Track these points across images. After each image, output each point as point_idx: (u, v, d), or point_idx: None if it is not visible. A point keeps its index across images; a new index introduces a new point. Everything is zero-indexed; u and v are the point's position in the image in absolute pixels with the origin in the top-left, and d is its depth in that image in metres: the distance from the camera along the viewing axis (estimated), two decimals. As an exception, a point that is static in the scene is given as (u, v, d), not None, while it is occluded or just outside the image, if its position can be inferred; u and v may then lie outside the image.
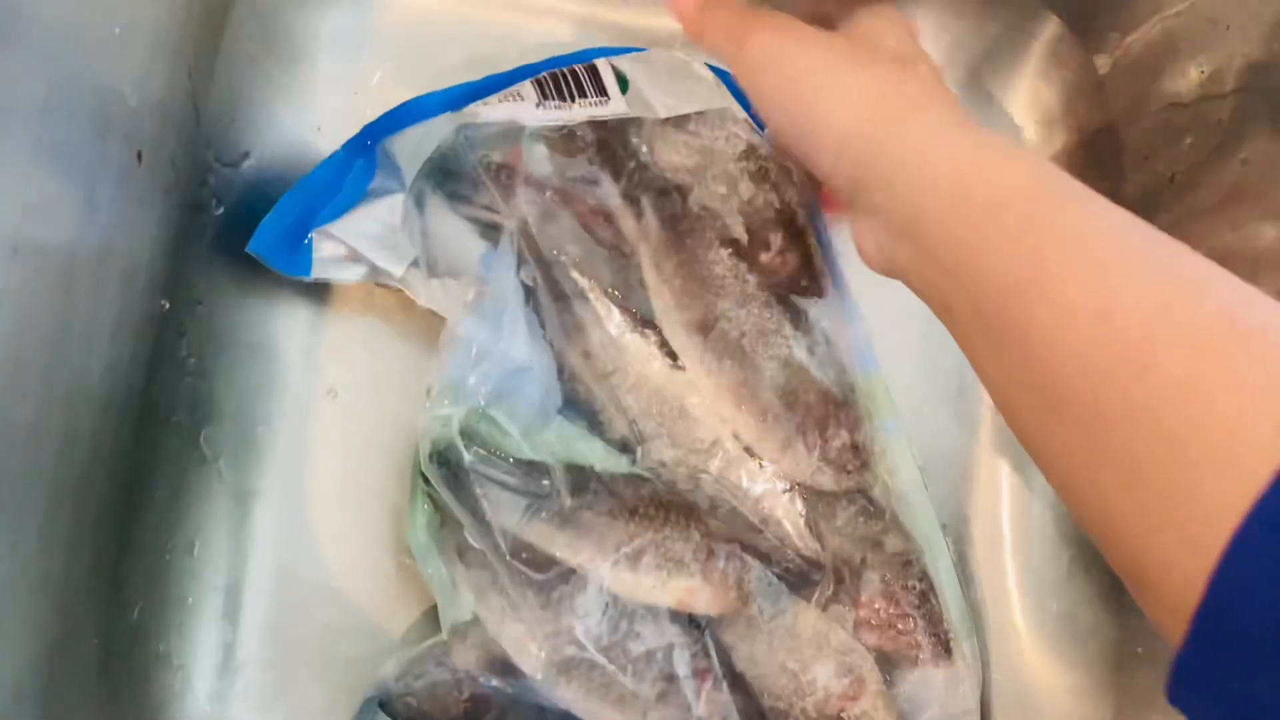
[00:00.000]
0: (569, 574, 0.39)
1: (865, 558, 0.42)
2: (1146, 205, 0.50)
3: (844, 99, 0.31)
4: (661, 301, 0.43)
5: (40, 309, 0.33)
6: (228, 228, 0.44)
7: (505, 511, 0.40)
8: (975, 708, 0.43)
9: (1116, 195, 0.48)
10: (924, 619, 0.42)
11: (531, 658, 0.39)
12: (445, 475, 0.40)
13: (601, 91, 0.45)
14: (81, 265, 0.35)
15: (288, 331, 0.46)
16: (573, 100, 0.44)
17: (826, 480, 0.42)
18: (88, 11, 0.33)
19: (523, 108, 0.44)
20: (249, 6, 0.44)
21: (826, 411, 0.42)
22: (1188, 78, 0.47)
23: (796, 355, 0.43)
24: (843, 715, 0.40)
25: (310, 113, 0.47)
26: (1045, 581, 0.50)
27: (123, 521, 0.41)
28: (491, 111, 0.44)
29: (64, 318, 0.35)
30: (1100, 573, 0.49)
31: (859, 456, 0.42)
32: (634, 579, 0.39)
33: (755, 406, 0.42)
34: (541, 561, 0.39)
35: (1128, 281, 0.24)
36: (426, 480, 0.41)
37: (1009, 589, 0.49)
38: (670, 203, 0.43)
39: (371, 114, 0.46)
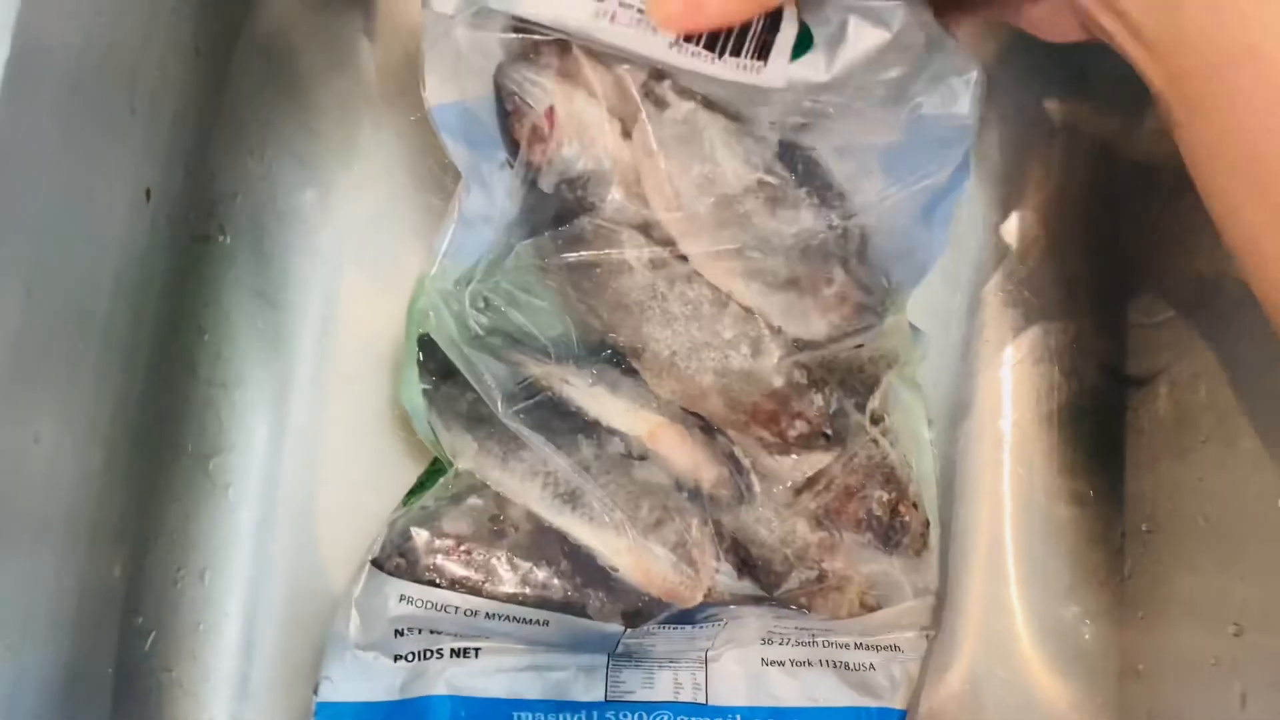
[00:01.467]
0: (567, 415, 0.41)
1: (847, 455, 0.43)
2: (1143, 226, 0.50)
3: None
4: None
5: (55, 346, 0.34)
6: (235, 258, 0.45)
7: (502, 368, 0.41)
8: (935, 586, 0.45)
9: (1116, 226, 0.48)
10: (895, 527, 0.44)
11: (535, 490, 0.40)
12: (443, 342, 0.41)
13: (762, 51, 0.35)
14: (94, 303, 0.36)
15: (294, 360, 0.46)
16: (722, 52, 0.35)
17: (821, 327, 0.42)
18: (95, 60, 0.34)
19: (653, 39, 0.35)
20: (252, 41, 0.45)
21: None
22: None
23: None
24: (823, 566, 0.42)
25: (314, 142, 0.48)
26: (1047, 596, 0.50)
27: (135, 551, 0.41)
28: (610, 30, 0.34)
29: (78, 354, 0.35)
30: (1101, 588, 0.49)
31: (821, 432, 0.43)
32: (611, 401, 0.41)
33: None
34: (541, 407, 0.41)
35: None
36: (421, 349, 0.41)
37: (1011, 602, 0.50)
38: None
39: (375, 141, 0.47)
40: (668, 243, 0.39)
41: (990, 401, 0.52)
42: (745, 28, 0.34)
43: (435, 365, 0.42)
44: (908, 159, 0.39)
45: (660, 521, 0.41)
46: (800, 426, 0.41)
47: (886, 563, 0.43)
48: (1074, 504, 0.50)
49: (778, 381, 0.41)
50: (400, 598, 0.40)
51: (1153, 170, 0.49)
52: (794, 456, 0.43)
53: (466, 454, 0.41)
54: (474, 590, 0.40)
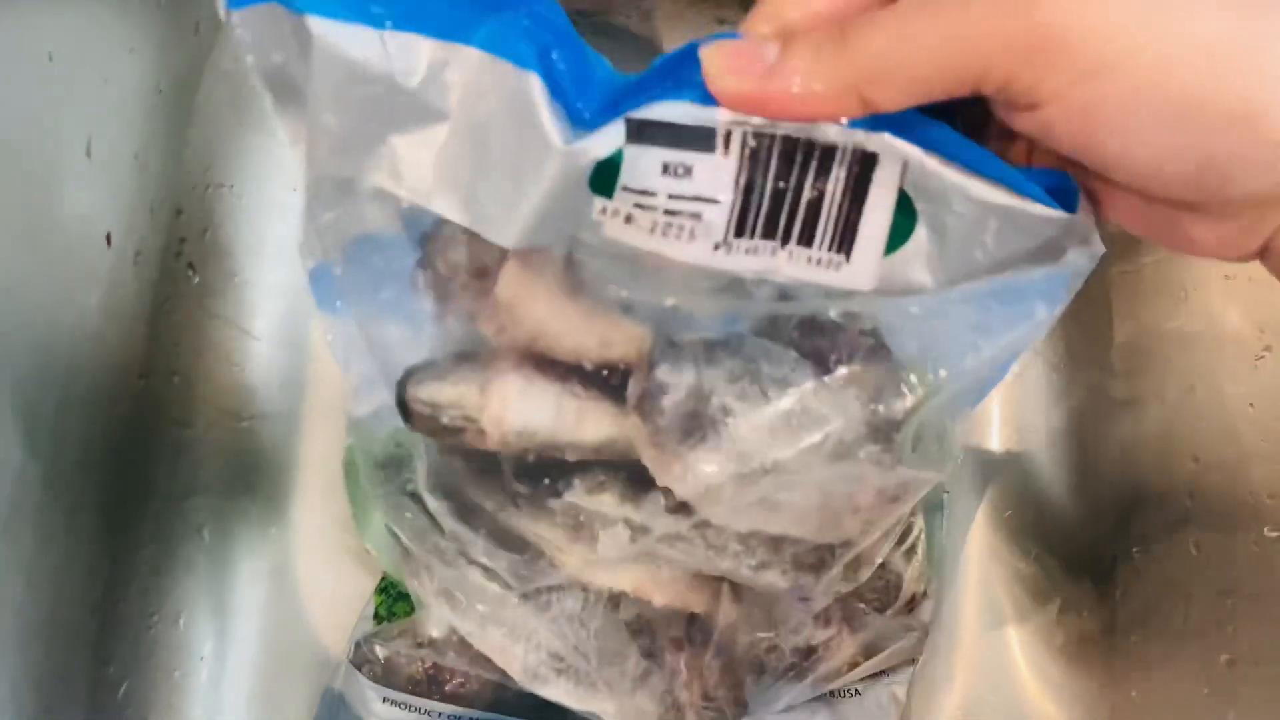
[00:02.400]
0: (540, 567, 0.36)
1: None
2: (1129, 244, 0.50)
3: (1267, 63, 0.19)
4: None
5: (16, 392, 0.33)
6: (205, 297, 0.44)
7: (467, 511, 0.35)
8: (926, 626, 0.43)
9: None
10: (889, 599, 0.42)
11: (517, 661, 0.38)
12: (392, 479, 0.35)
13: (844, 238, 0.25)
14: (55, 350, 0.35)
15: (267, 399, 0.46)
16: (785, 238, 0.25)
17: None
18: (47, 95, 0.33)
19: (689, 245, 0.25)
20: (216, 72, 0.44)
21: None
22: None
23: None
24: (812, 642, 0.40)
25: (285, 173, 0.47)
26: (1040, 621, 0.49)
27: (106, 597, 0.40)
28: (626, 231, 0.25)
29: (40, 399, 0.34)
30: (1093, 613, 0.49)
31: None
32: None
33: None
34: (514, 543, 0.35)
35: None
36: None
37: (1004, 627, 0.49)
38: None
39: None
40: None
41: (979, 423, 0.51)
42: (818, 195, 0.24)
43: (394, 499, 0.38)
44: (993, 319, 0.28)
45: (648, 672, 0.38)
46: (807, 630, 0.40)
47: (881, 622, 0.42)
48: (1065, 529, 0.50)
49: (783, 585, 0.36)
50: (383, 700, 0.39)
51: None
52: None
53: (439, 615, 0.39)
54: (453, 702, 0.40)
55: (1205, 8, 0.19)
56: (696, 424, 0.30)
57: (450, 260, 0.29)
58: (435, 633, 0.40)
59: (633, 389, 0.31)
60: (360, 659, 0.40)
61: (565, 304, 0.30)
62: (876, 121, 0.23)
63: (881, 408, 0.30)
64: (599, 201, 0.24)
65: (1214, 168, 0.20)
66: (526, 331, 0.30)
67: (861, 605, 0.41)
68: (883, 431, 0.30)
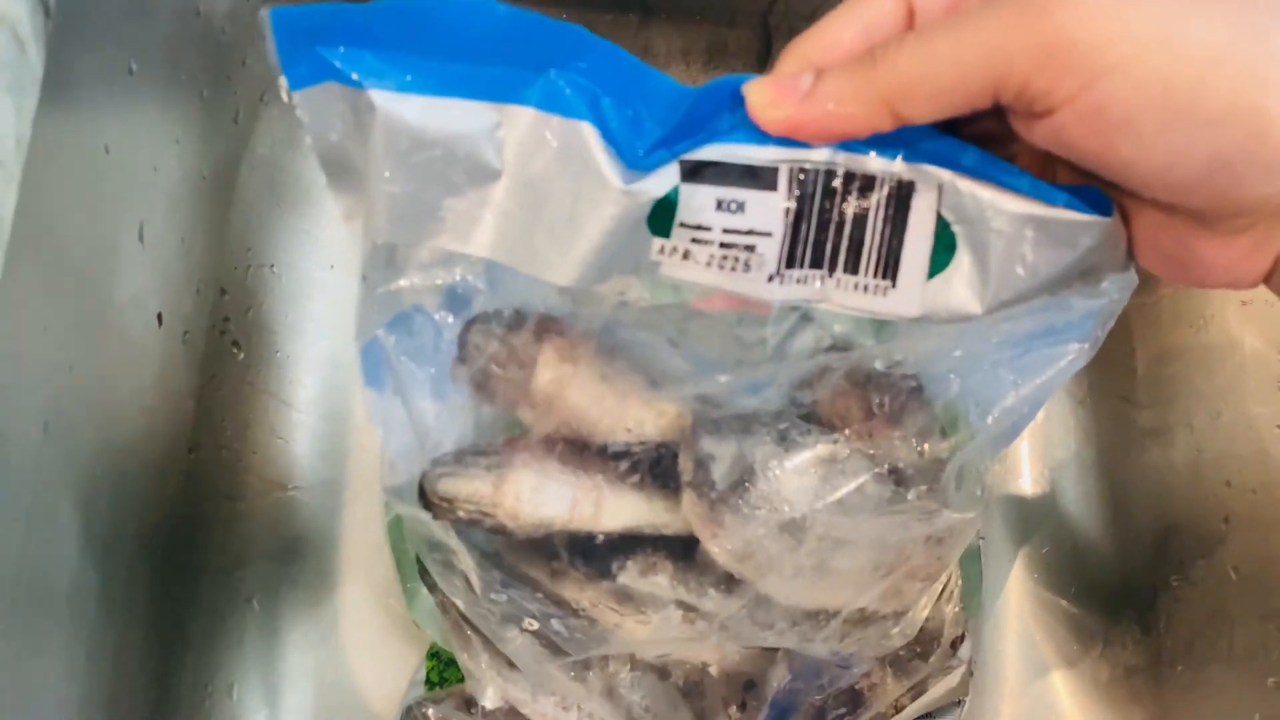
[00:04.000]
0: (595, 634, 0.35)
1: None
2: (1146, 276, 0.50)
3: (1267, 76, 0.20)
4: None
5: (73, 472, 0.34)
6: (250, 372, 0.46)
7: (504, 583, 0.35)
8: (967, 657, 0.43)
9: None
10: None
11: None
12: (440, 548, 0.35)
13: (888, 263, 0.26)
14: (112, 428, 0.36)
15: (311, 469, 0.47)
16: (833, 266, 0.26)
17: None
18: (104, 185, 0.35)
19: (744, 276, 0.26)
20: (254, 158, 0.46)
21: None
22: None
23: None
24: (857, 686, 0.39)
25: (323, 251, 0.49)
26: (1083, 654, 0.49)
27: (162, 669, 0.41)
28: (682, 267, 0.26)
29: (96, 479, 0.36)
30: (1137, 644, 0.48)
31: None
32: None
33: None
34: (566, 611, 0.35)
35: None
36: (420, 564, 0.38)
37: (1047, 662, 0.49)
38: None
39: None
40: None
41: (1010, 464, 0.52)
42: (861, 225, 0.25)
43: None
44: (1030, 359, 0.29)
45: None
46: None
47: (923, 673, 0.42)
48: (1103, 559, 0.50)
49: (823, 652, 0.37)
50: None
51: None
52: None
53: (490, 688, 0.39)
54: None
55: (1211, 12, 0.20)
56: (745, 488, 0.30)
57: (489, 349, 0.31)
58: (487, 704, 0.39)
59: (683, 462, 0.31)
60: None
61: (602, 389, 0.31)
62: (912, 152, 0.24)
63: (926, 447, 0.31)
64: (657, 241, 0.26)
65: (1221, 169, 0.21)
66: (563, 419, 0.32)
67: (903, 653, 0.41)
68: (927, 474, 0.31)
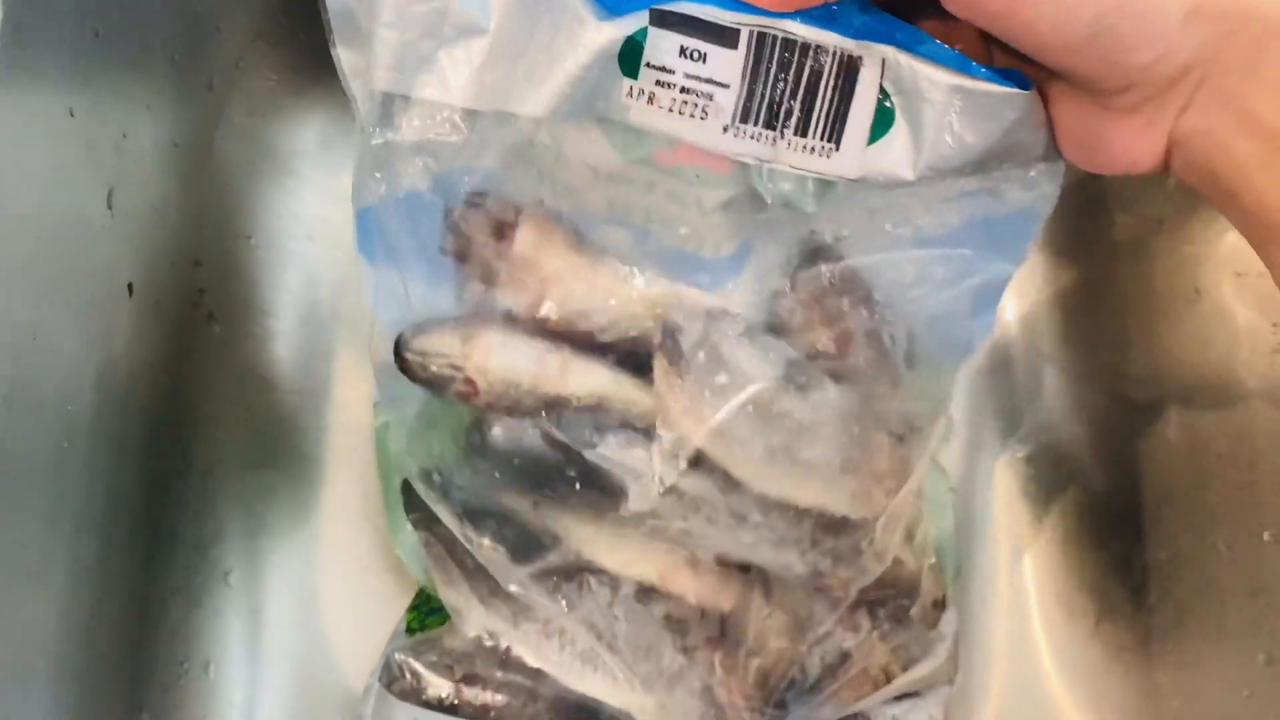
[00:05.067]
0: (573, 569, 0.38)
1: None
2: (1138, 247, 0.50)
3: None
4: None
5: (39, 446, 0.34)
6: (227, 344, 0.45)
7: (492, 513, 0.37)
8: (954, 635, 0.43)
9: (1109, 239, 0.48)
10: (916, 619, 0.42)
11: (552, 656, 0.38)
12: (426, 491, 0.37)
13: (834, 128, 0.29)
14: (79, 401, 0.36)
15: (287, 445, 0.46)
16: (783, 128, 0.29)
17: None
18: (68, 151, 0.34)
19: (701, 124, 0.29)
20: (229, 127, 0.45)
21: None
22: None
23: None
24: (844, 647, 0.40)
25: (301, 223, 0.48)
26: (1072, 634, 0.49)
27: (136, 646, 0.41)
28: (647, 112, 0.29)
29: (63, 453, 0.35)
30: (1126, 623, 0.48)
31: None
32: (617, 547, 0.38)
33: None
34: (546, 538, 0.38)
35: None
36: (406, 496, 0.39)
37: (1036, 643, 0.49)
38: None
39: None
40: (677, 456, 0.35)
41: (1000, 437, 0.51)
42: (812, 91, 0.29)
43: (424, 509, 0.39)
44: (964, 252, 0.33)
45: (684, 668, 0.39)
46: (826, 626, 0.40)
47: (907, 635, 0.41)
48: (1092, 537, 0.49)
49: (800, 569, 0.38)
50: None
51: (1149, 184, 0.49)
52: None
53: (473, 618, 0.39)
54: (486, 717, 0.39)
55: None
56: (712, 363, 0.33)
57: (473, 221, 0.33)
58: (470, 632, 0.39)
59: (654, 334, 0.34)
60: (390, 677, 0.39)
61: (578, 261, 0.34)
62: (861, 29, 0.28)
63: (869, 331, 0.35)
64: (626, 82, 0.29)
65: (1104, 31, 0.24)
66: (541, 286, 0.34)
67: (883, 609, 0.41)
68: (879, 365, 0.35)
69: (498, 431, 0.36)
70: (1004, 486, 0.50)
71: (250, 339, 0.46)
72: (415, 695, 0.39)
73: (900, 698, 0.43)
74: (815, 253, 0.34)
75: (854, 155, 0.29)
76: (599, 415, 0.35)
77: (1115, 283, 0.51)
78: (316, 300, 0.48)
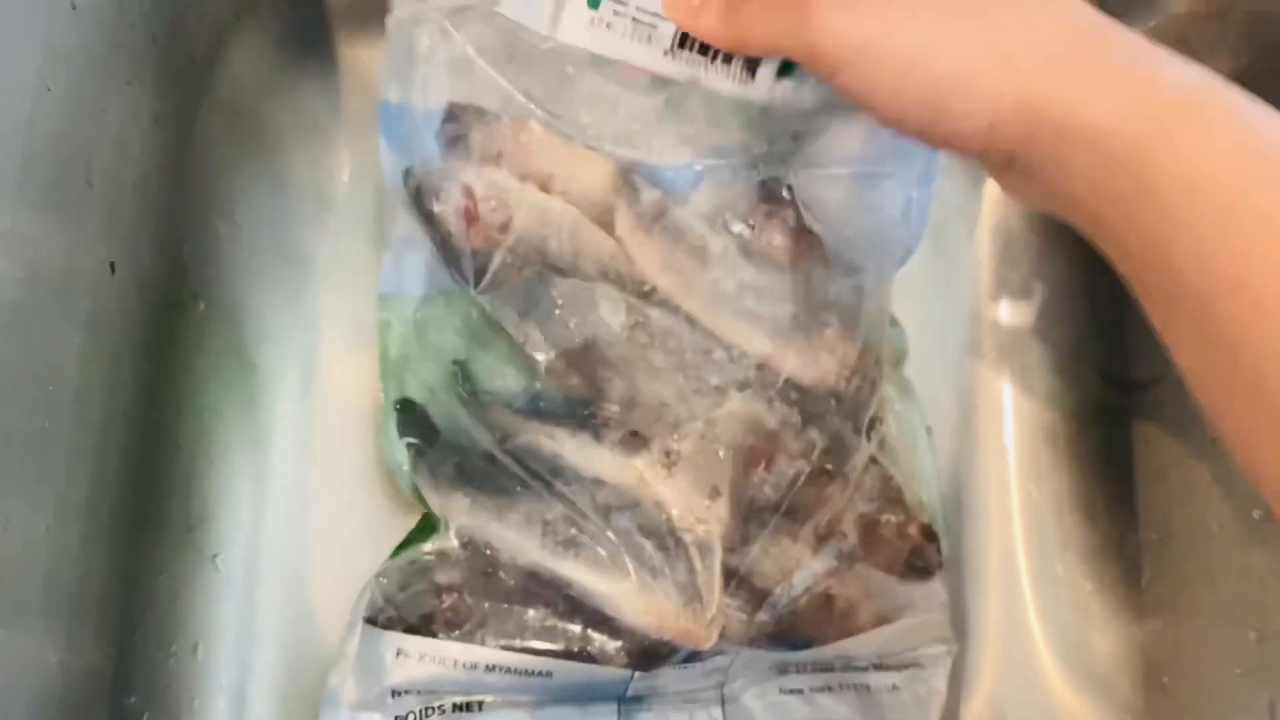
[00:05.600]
0: (555, 470, 0.40)
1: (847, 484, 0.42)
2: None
3: (985, 71, 0.27)
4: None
5: (20, 427, 0.33)
6: (210, 324, 0.44)
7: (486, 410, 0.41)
8: (945, 602, 0.43)
9: None
10: (904, 551, 0.42)
11: (535, 540, 0.39)
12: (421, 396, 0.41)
13: (752, 65, 0.37)
14: (62, 380, 0.35)
15: (276, 424, 0.46)
16: (715, 58, 0.37)
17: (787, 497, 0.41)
18: (47, 135, 0.34)
19: (647, 47, 0.37)
20: (213, 101, 0.44)
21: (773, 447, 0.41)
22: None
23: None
24: (830, 592, 0.41)
25: (287, 201, 0.48)
26: (1065, 612, 0.49)
27: (124, 628, 0.40)
28: (605, 38, 0.37)
29: (46, 433, 0.35)
30: (1120, 601, 0.48)
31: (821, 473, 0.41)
32: (598, 453, 0.40)
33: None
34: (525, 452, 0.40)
35: None
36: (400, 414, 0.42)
37: (1029, 621, 0.49)
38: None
39: (345, 198, 0.47)
40: (644, 294, 0.40)
41: (992, 416, 0.51)
42: None
43: (417, 424, 0.41)
44: (877, 157, 0.40)
45: (666, 561, 0.39)
46: (800, 465, 0.40)
47: (895, 584, 0.41)
48: (1085, 516, 0.49)
49: (772, 422, 0.40)
50: (397, 652, 0.39)
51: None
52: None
53: (459, 511, 0.40)
54: (470, 640, 0.39)
55: (912, 19, 0.28)
56: (665, 213, 0.40)
57: (470, 113, 0.39)
58: (457, 524, 0.40)
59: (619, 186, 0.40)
60: (373, 608, 0.39)
61: (555, 140, 0.39)
62: None
63: (811, 235, 0.41)
64: (590, 13, 0.36)
65: (928, 124, 0.29)
66: (524, 158, 0.39)
67: (864, 513, 0.41)
68: (818, 254, 0.41)
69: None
70: (995, 465, 0.50)
71: (236, 318, 0.45)
72: (399, 622, 0.39)
73: (901, 667, 0.43)
74: (764, 181, 0.40)
75: (765, 86, 0.37)
76: (579, 260, 0.40)
77: (1107, 260, 0.51)
78: (303, 280, 0.47)
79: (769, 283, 0.40)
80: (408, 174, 0.40)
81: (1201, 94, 0.26)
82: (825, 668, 0.43)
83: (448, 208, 0.39)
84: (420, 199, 0.39)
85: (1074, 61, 0.27)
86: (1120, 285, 0.50)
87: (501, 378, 0.42)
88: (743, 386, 0.40)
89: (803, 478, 0.40)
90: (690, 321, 0.40)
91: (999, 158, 0.28)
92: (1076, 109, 0.26)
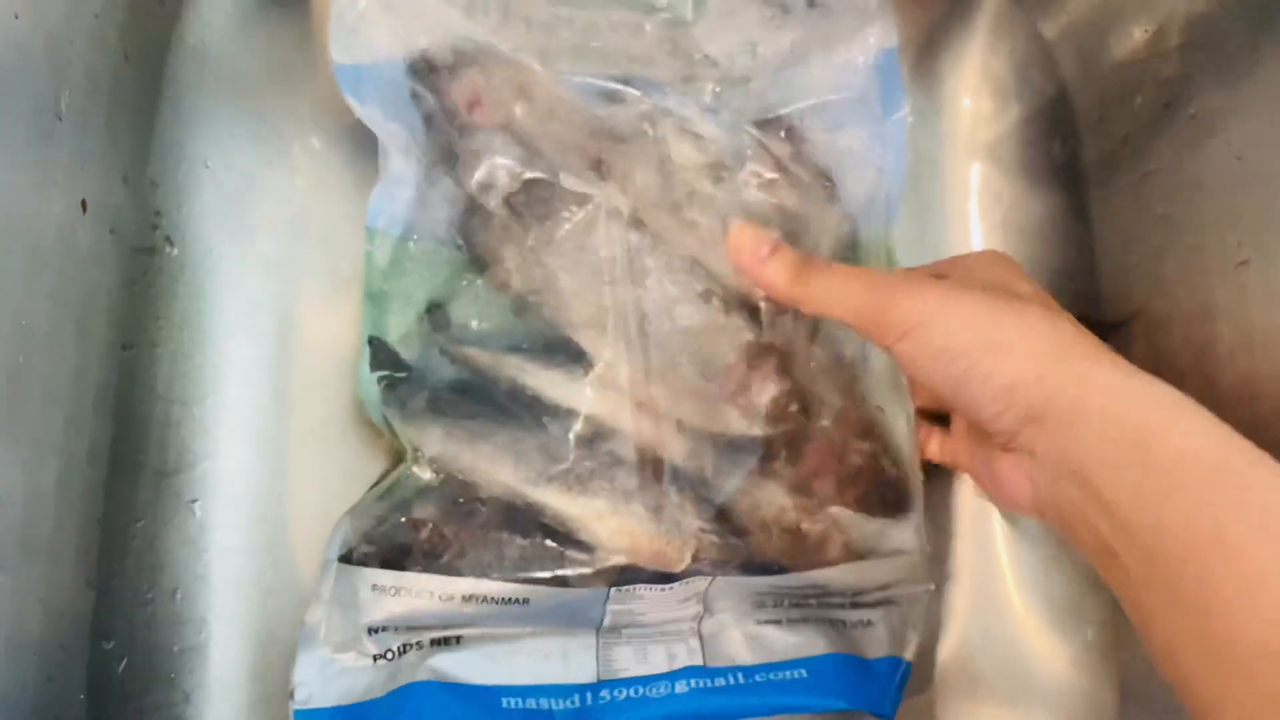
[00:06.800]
0: (528, 403, 0.41)
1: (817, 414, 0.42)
2: (1105, 169, 0.50)
3: (1012, 347, 0.32)
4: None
5: (-5, 363, 0.33)
6: (184, 269, 0.44)
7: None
8: (923, 542, 0.43)
9: (1077, 161, 0.49)
10: (872, 480, 0.43)
11: (508, 468, 0.39)
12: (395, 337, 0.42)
13: None
14: (34, 318, 0.35)
15: (254, 371, 0.45)
16: None
17: (760, 431, 0.41)
18: (13, 63, 0.33)
19: None
20: (183, 46, 0.44)
21: (748, 368, 0.42)
22: (1132, 37, 0.47)
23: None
24: (802, 527, 0.41)
25: (261, 148, 0.47)
26: (1036, 553, 0.49)
27: (101, 572, 0.40)
28: None
29: (18, 370, 0.34)
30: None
31: (791, 404, 0.42)
32: (571, 385, 0.41)
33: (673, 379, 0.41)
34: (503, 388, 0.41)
35: None
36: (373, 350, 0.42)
37: (1000, 561, 0.49)
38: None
39: (320, 145, 0.46)
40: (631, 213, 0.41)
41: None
42: None
43: (388, 360, 0.41)
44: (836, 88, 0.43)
45: (639, 487, 0.40)
46: (771, 389, 0.40)
47: (867, 520, 0.42)
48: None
49: (749, 335, 0.40)
50: (372, 587, 0.39)
51: (1114, 104, 0.49)
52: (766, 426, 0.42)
53: (432, 441, 0.40)
54: (446, 572, 0.39)
55: (971, 306, 0.33)
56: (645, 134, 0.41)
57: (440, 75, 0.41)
58: (429, 454, 0.40)
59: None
60: (346, 545, 0.39)
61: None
62: None
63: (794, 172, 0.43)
64: None
65: (962, 387, 0.33)
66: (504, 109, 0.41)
67: (838, 445, 0.42)
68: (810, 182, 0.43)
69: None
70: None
71: (210, 265, 0.45)
72: (374, 558, 0.39)
73: (876, 604, 0.43)
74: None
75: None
76: (567, 157, 0.41)
77: (1082, 208, 0.51)
78: (279, 225, 0.47)
79: (734, 203, 0.41)
80: (419, 58, 0.41)
81: (1187, 403, 0.30)
82: (800, 602, 0.43)
83: (456, 89, 0.40)
84: (429, 80, 0.41)
85: (1080, 355, 0.32)
86: (1091, 232, 0.51)
87: (477, 318, 0.42)
88: (725, 301, 0.40)
89: (778, 405, 0.40)
90: (665, 244, 0.41)
91: (1012, 422, 0.32)
92: (1087, 385, 0.31)
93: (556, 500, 0.39)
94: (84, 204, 0.37)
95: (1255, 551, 0.26)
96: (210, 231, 0.45)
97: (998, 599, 0.49)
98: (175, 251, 0.44)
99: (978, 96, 0.52)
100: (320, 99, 0.48)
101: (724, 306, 0.41)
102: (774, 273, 0.37)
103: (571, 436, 0.40)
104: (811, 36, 0.43)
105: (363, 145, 0.46)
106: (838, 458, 0.41)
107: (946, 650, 0.48)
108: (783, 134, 0.43)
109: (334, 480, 0.45)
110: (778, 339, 0.41)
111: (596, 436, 0.40)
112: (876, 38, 0.44)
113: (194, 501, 0.44)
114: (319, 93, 0.48)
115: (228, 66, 0.46)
